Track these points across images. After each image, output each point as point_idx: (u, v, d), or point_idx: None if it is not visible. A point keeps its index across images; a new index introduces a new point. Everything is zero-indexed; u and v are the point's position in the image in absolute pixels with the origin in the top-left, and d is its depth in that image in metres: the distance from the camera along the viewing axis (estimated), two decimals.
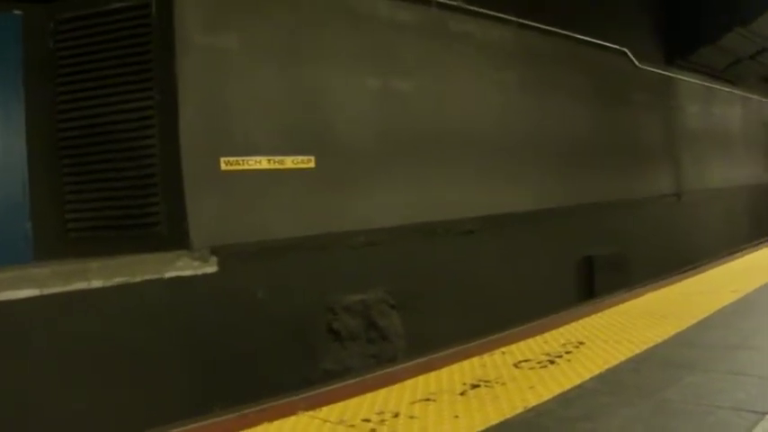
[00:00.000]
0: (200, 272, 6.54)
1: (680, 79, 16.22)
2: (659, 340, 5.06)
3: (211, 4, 6.95)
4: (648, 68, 14.49)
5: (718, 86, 18.37)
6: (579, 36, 11.95)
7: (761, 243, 10.56)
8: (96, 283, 5.87)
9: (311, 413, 3.86)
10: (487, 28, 10.15)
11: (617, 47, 13.27)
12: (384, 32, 8.65)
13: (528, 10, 10.68)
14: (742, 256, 9.62)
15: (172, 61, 6.58)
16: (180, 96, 6.57)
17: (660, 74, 15.30)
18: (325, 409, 3.93)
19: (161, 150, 6.62)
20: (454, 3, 9.49)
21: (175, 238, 6.54)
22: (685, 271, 8.37)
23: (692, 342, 5.01)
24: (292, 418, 3.80)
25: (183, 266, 6.44)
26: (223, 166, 6.84)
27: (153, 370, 6.07)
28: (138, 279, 6.14)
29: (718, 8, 15.23)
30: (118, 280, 6.01)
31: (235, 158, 6.91)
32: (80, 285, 5.78)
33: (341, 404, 4.01)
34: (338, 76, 8.02)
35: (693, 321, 5.60)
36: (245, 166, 6.99)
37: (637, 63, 13.88)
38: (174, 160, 6.56)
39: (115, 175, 6.70)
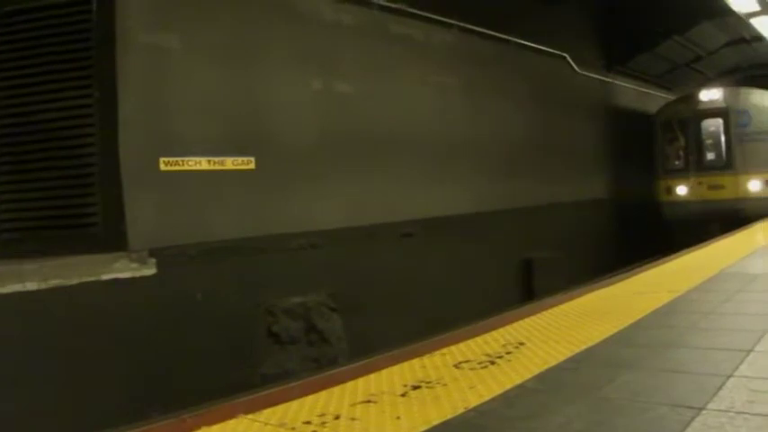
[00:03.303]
0: (138, 274, 6.43)
1: (619, 85, 16.51)
2: (598, 340, 5.10)
3: (153, 4, 6.86)
4: (587, 74, 14.71)
5: (654, 92, 18.78)
6: (520, 41, 12.08)
7: (696, 246, 10.79)
8: (31, 286, 5.74)
9: (252, 416, 3.81)
10: (429, 31, 10.20)
11: (557, 52, 13.44)
12: (326, 35, 8.63)
13: (470, 13, 10.74)
14: (679, 257, 9.77)
15: (112, 59, 6.48)
16: (120, 94, 6.47)
17: (599, 79, 15.55)
18: (265, 411, 3.88)
19: (99, 149, 6.51)
20: (396, 5, 9.51)
21: (113, 240, 6.42)
22: (623, 272, 8.49)
23: (630, 341, 5.06)
24: (232, 422, 3.74)
25: (121, 268, 6.32)
26: (162, 167, 6.75)
27: (89, 374, 5.94)
28: (74, 281, 6.00)
29: (657, 17, 15.57)
30: (54, 282, 5.87)
31: (174, 159, 6.83)
32: (15, 287, 5.64)
33: (282, 407, 3.96)
34: (280, 77, 7.98)
35: (631, 321, 5.65)
36: (185, 167, 6.91)
37: (576, 68, 14.07)
38: (112, 160, 6.45)
39: (51, 174, 6.57)
